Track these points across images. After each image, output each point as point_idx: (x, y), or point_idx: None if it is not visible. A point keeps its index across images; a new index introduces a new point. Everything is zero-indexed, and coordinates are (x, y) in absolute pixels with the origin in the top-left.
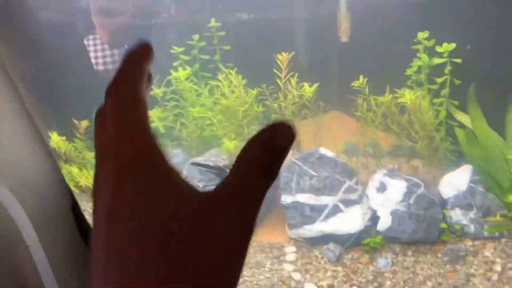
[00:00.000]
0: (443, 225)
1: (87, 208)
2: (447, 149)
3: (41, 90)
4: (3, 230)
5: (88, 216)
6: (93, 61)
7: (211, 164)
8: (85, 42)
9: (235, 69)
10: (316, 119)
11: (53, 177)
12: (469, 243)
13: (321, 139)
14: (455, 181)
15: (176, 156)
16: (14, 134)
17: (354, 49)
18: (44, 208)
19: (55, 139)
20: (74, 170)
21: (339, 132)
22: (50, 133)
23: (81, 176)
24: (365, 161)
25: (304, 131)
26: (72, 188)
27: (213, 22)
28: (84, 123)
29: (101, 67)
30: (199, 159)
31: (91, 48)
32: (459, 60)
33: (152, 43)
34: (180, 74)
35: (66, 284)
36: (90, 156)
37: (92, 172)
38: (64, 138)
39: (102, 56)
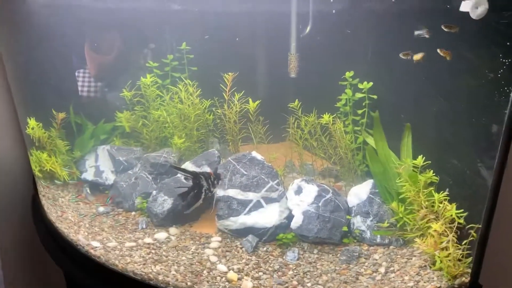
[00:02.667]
0: (345, 228)
1: (46, 193)
2: (362, 170)
3: (31, 79)
4: None
5: (45, 201)
6: (79, 88)
7: (188, 169)
8: (76, 74)
9: (194, 81)
10: (255, 130)
11: (20, 165)
12: (365, 247)
13: (256, 148)
14: (359, 192)
15: (135, 152)
16: None
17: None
18: (5, 193)
19: (33, 124)
20: (44, 155)
21: (275, 150)
22: (28, 119)
23: (48, 161)
24: (296, 175)
25: (243, 138)
26: (38, 173)
27: (184, 46)
28: (61, 115)
29: (85, 94)
30: (153, 155)
31: (80, 79)
32: (375, 96)
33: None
34: (147, 80)
35: (13, 275)
36: (61, 144)
37: (59, 159)
38: (41, 124)
39: (88, 86)
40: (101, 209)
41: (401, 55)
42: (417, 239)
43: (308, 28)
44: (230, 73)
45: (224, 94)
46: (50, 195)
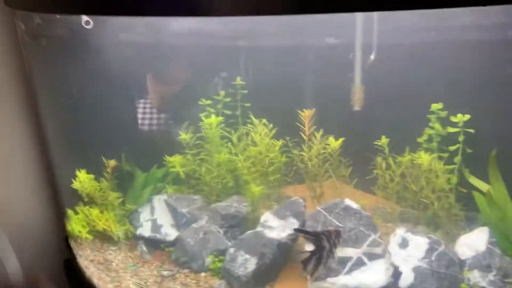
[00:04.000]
0: (464, 286)
1: (97, 257)
2: (455, 214)
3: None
4: None
5: (92, 267)
6: (140, 121)
7: (310, 230)
8: (137, 104)
9: (264, 119)
10: (337, 174)
11: (49, 230)
12: None
13: (340, 193)
14: (472, 243)
15: (196, 201)
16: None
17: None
18: (35, 258)
19: (83, 177)
20: (94, 212)
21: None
22: (78, 171)
23: (101, 218)
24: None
25: (326, 184)
26: (86, 234)
27: (238, 80)
28: (112, 163)
29: (146, 127)
30: (223, 205)
31: (141, 110)
32: (472, 130)
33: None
34: (212, 120)
35: None
36: (114, 196)
37: (112, 214)
38: (92, 176)
39: (149, 118)
40: (164, 272)
41: None
42: None
43: (372, 57)
44: (307, 110)
45: (302, 134)
46: (101, 259)
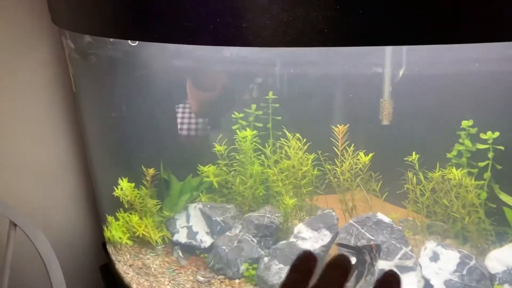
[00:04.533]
0: None
1: (136, 261)
2: (485, 229)
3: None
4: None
5: (131, 272)
6: (179, 126)
7: (353, 245)
8: (176, 108)
9: (297, 134)
10: (367, 188)
11: (87, 237)
12: None
13: (370, 207)
14: (503, 258)
15: (230, 211)
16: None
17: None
18: (71, 264)
19: (125, 186)
20: (134, 218)
21: (387, 206)
22: (120, 180)
23: (141, 225)
24: (411, 234)
25: (357, 197)
26: (127, 240)
27: (270, 95)
28: (151, 171)
29: (184, 132)
30: (256, 215)
31: (179, 115)
32: (502, 147)
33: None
34: (248, 133)
35: None
36: (152, 203)
37: (151, 221)
38: (133, 184)
39: (188, 123)
40: (200, 278)
41: None
42: None
43: (402, 72)
44: (340, 125)
45: (336, 148)
46: (140, 264)
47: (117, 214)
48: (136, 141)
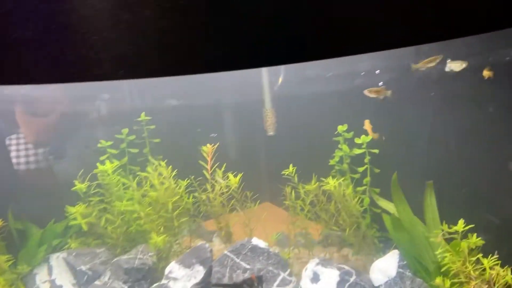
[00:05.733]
0: None
1: None
2: (373, 235)
3: None
4: None
5: None
6: (14, 160)
7: (231, 284)
8: (7, 141)
9: (165, 160)
10: (246, 210)
11: None
12: None
13: (251, 230)
14: (385, 267)
15: (99, 255)
16: None
17: (280, 141)
18: None
19: None
20: None
21: (269, 223)
22: None
23: None
24: (297, 251)
25: (234, 222)
26: None
27: (142, 116)
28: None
29: (23, 167)
30: (125, 258)
31: (13, 148)
32: (376, 151)
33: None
34: (107, 167)
35: None
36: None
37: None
38: None
39: (25, 156)
40: None
41: (366, 92)
42: None
43: (281, 79)
44: (209, 145)
45: (205, 172)
46: None
47: None
48: None
